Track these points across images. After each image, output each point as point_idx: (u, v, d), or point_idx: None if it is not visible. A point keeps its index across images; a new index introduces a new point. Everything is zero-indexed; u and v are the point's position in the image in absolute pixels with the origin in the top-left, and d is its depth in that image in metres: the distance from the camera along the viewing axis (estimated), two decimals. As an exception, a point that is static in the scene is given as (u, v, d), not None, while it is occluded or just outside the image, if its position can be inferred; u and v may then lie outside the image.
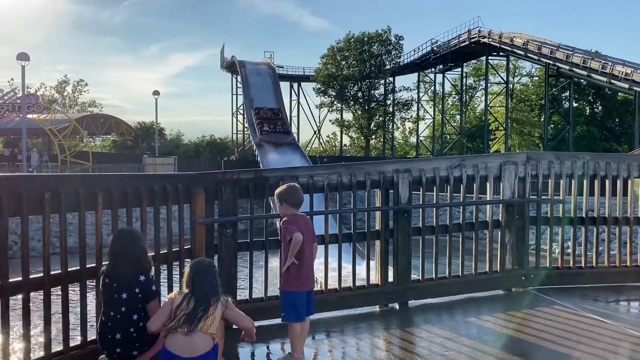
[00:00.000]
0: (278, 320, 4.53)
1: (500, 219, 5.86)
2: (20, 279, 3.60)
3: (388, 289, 5.44)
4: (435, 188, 5.57)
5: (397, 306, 5.49)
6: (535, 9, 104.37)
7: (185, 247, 4.76)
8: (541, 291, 5.80)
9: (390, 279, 5.46)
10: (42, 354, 3.73)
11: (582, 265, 6.04)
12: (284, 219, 4.03)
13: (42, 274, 3.71)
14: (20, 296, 3.61)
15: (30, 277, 3.64)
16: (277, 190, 4.15)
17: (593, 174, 6.01)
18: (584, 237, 6.05)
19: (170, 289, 4.54)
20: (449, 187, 5.63)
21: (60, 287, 3.81)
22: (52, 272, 3.76)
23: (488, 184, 5.78)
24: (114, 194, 4.12)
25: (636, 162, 6.11)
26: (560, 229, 6.04)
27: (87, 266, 3.96)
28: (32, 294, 3.66)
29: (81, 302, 3.95)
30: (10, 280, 3.55)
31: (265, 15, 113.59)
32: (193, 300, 3.25)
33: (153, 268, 4.08)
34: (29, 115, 32.31)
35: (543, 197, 5.90)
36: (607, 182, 6.03)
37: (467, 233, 5.75)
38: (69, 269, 3.87)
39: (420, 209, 5.59)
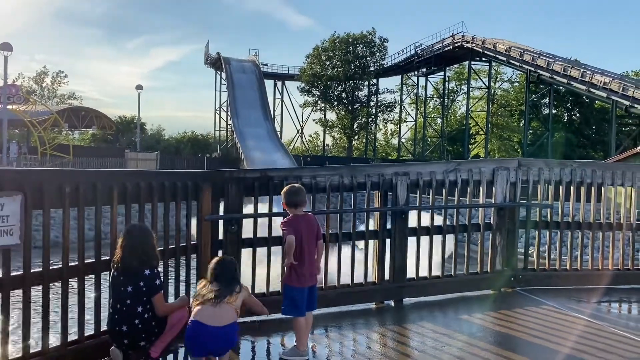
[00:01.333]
0: (279, 315, 4.72)
1: (491, 222, 6.12)
2: (40, 269, 3.75)
3: (384, 286, 5.66)
4: (431, 191, 5.81)
5: (392, 303, 5.71)
6: (519, 16, 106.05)
7: (191, 243, 4.92)
8: (529, 291, 6.07)
9: (387, 277, 5.68)
10: (57, 343, 3.88)
11: (568, 267, 6.34)
12: (283, 220, 4.22)
13: (60, 265, 3.86)
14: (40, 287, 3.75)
15: (50, 268, 3.78)
16: (282, 191, 4.33)
17: (580, 180, 6.32)
18: (570, 241, 6.36)
19: (177, 281, 4.71)
20: (444, 190, 5.86)
21: (77, 278, 3.95)
22: (70, 264, 3.91)
23: (481, 188, 6.04)
24: (128, 189, 4.27)
25: (619, 171, 6.44)
26: (548, 233, 6.34)
27: (102, 259, 4.11)
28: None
29: (95, 293, 4.10)
30: (32, 271, 3.69)
31: (251, 13, 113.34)
32: (218, 285, 3.63)
33: (161, 262, 4.27)
34: (8, 107, 31.80)
35: (533, 202, 6.18)
36: (592, 189, 6.35)
37: (460, 235, 6.00)
38: (85, 261, 4.01)
39: (417, 211, 5.82)
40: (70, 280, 3.92)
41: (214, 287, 3.63)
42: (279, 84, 56.34)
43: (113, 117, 49.52)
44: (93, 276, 4.08)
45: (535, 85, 44.78)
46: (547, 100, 48.15)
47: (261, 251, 5.25)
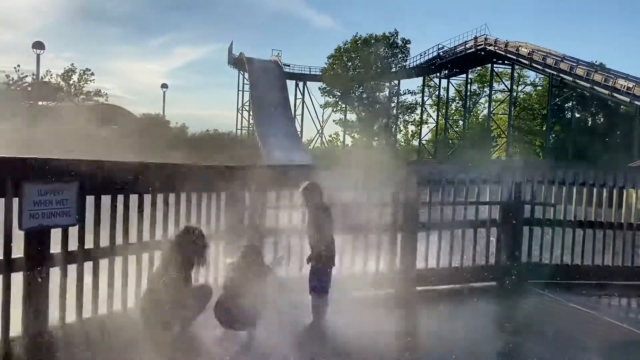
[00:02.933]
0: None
1: (497, 219, 6.56)
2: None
3: (395, 275, 6.13)
4: (441, 190, 6.28)
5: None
6: (543, 19, 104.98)
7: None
8: (531, 284, 6.50)
9: (398, 267, 6.15)
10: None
11: (570, 263, 6.75)
12: (322, 208, 4.78)
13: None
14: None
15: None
16: (306, 186, 4.88)
17: (582, 182, 6.73)
18: (572, 238, 6.77)
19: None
20: (452, 188, 6.33)
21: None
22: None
23: (488, 187, 6.49)
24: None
25: (621, 174, 6.84)
26: (551, 230, 6.75)
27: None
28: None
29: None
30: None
31: (274, 13, 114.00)
32: None
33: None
34: (39, 103, 32.92)
35: (536, 202, 6.62)
36: (594, 190, 6.75)
37: (467, 230, 6.46)
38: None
39: (427, 207, 6.30)
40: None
41: None
42: (301, 84, 56.91)
43: (137, 115, 50.53)
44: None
45: (558, 89, 44.63)
46: (570, 104, 47.85)
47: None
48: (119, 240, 4.53)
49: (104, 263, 4.44)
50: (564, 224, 6.77)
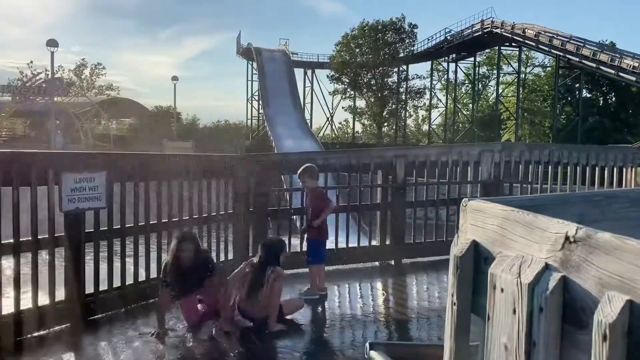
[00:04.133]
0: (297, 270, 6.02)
1: (478, 196, 7.25)
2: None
3: (386, 249, 6.90)
4: (425, 170, 7.00)
5: (393, 262, 6.95)
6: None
7: (229, 212, 6.27)
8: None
9: (388, 242, 6.91)
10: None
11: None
12: (318, 190, 5.53)
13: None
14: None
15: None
16: (304, 168, 5.60)
17: (557, 161, 7.41)
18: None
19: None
20: (436, 169, 7.04)
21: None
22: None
23: (469, 168, 7.20)
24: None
25: (594, 152, 7.49)
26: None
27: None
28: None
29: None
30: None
31: (282, 0, 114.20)
32: None
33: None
34: (55, 99, 33.87)
35: (514, 179, 7.32)
36: (568, 168, 7.42)
37: (451, 207, 7.17)
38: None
39: (413, 187, 7.03)
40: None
41: None
42: (309, 72, 57.39)
43: (149, 107, 51.61)
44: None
45: (567, 70, 44.74)
46: (579, 84, 47.91)
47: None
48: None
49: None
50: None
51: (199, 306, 4.69)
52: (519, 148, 7.33)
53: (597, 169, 7.49)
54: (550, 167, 7.40)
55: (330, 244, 6.54)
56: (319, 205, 5.50)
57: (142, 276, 5.36)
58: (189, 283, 4.55)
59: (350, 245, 6.76)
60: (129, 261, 5.24)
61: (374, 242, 6.94)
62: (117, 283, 5.12)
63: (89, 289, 4.88)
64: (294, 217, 6.61)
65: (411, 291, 6.14)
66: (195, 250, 4.58)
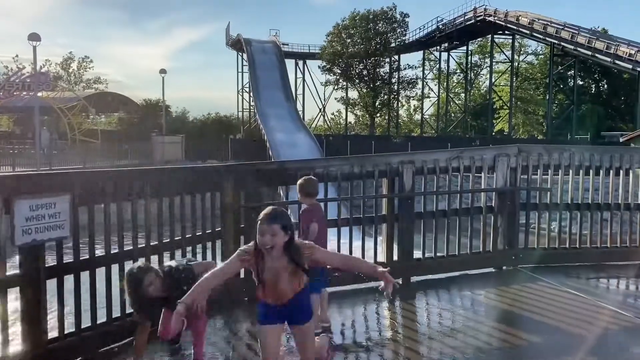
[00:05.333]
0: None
1: (493, 205, 6.56)
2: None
3: (393, 266, 6.11)
4: (435, 178, 6.28)
5: (401, 281, 6.19)
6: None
7: (216, 230, 5.52)
8: (529, 269, 6.51)
9: (396, 257, 6.19)
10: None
11: (567, 246, 6.77)
12: (305, 208, 4.74)
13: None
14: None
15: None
16: (298, 182, 4.83)
17: (578, 164, 6.70)
18: (569, 221, 6.77)
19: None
20: (447, 176, 6.31)
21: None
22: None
23: (483, 174, 6.48)
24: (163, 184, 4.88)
25: (617, 154, 6.80)
26: (547, 214, 6.75)
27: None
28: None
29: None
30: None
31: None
32: None
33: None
34: (38, 94, 32.80)
35: (532, 186, 6.60)
36: (590, 171, 6.73)
37: (463, 217, 6.47)
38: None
39: (422, 197, 6.32)
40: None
41: None
42: (300, 63, 56.51)
43: (138, 100, 50.44)
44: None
45: (560, 58, 44.14)
46: (572, 72, 47.37)
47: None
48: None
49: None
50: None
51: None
52: (537, 151, 6.60)
53: (621, 172, 6.80)
54: (571, 171, 6.68)
55: None
56: (304, 228, 4.73)
57: (116, 312, 4.60)
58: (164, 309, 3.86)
59: None
60: (100, 296, 4.48)
61: (379, 258, 6.20)
62: (86, 323, 4.38)
63: (52, 333, 4.14)
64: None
65: (422, 318, 5.39)
66: (157, 280, 3.81)
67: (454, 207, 6.46)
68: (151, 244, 4.85)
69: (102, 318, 4.49)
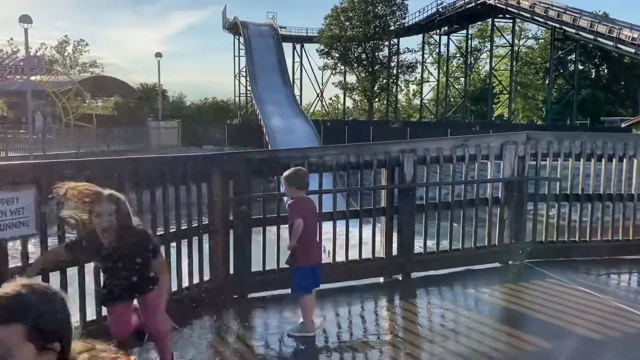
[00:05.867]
0: (289, 291, 4.90)
1: (499, 196, 6.17)
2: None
3: (392, 261, 5.80)
4: (438, 167, 5.87)
5: (400, 277, 5.86)
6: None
7: (204, 223, 5.11)
8: (536, 264, 6.13)
9: (395, 252, 5.81)
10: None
11: (576, 239, 6.38)
12: (290, 202, 4.33)
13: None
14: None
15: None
16: (285, 174, 4.40)
17: (590, 153, 6.29)
18: (579, 213, 6.38)
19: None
20: (451, 166, 5.91)
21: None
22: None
23: (489, 163, 6.06)
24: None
25: (632, 142, 6.37)
26: (557, 206, 6.35)
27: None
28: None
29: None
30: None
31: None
32: None
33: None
34: (32, 77, 32.22)
35: (541, 176, 6.19)
36: (603, 160, 6.31)
37: (467, 209, 6.08)
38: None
39: (424, 187, 5.92)
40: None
41: None
42: (298, 46, 55.70)
43: (134, 85, 49.75)
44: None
45: (561, 42, 43.50)
46: (573, 56, 46.76)
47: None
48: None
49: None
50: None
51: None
52: (546, 138, 6.18)
53: (635, 160, 6.39)
54: (582, 159, 6.27)
55: (327, 259, 5.46)
56: (290, 221, 4.31)
57: (90, 314, 4.22)
58: (117, 269, 3.29)
59: (351, 257, 5.64)
60: (72, 299, 4.07)
61: (378, 254, 5.81)
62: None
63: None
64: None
65: (423, 319, 5.00)
66: (117, 215, 3.17)
67: (457, 199, 6.04)
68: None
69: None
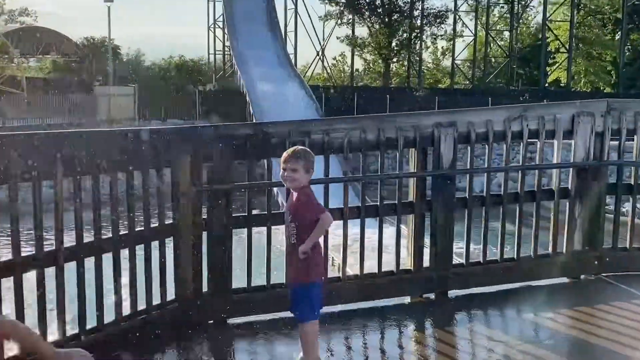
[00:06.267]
0: (282, 314, 4.82)
1: (569, 187, 6.10)
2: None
3: (423, 275, 5.73)
4: (487, 148, 5.80)
5: (433, 297, 5.81)
6: None
7: (166, 223, 4.94)
8: (619, 279, 6.09)
9: (427, 263, 5.75)
10: None
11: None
12: (303, 190, 4.06)
13: None
14: None
15: None
16: (297, 150, 4.11)
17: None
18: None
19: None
20: (505, 145, 5.82)
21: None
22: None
23: (556, 142, 5.96)
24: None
25: None
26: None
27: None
28: None
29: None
30: None
31: None
32: None
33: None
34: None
35: (626, 161, 6.12)
36: None
37: (525, 205, 5.99)
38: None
39: (468, 175, 5.85)
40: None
41: None
42: (292, -11, 55.63)
43: (77, 39, 49.77)
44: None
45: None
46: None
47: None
48: None
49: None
50: None
51: None
52: (635, 108, 6.08)
53: None
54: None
55: (334, 272, 5.31)
56: (306, 217, 4.07)
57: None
58: None
59: (367, 270, 5.54)
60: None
61: (403, 265, 5.70)
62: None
63: None
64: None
65: (464, 355, 4.88)
66: None
67: (512, 191, 5.98)
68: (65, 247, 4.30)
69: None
